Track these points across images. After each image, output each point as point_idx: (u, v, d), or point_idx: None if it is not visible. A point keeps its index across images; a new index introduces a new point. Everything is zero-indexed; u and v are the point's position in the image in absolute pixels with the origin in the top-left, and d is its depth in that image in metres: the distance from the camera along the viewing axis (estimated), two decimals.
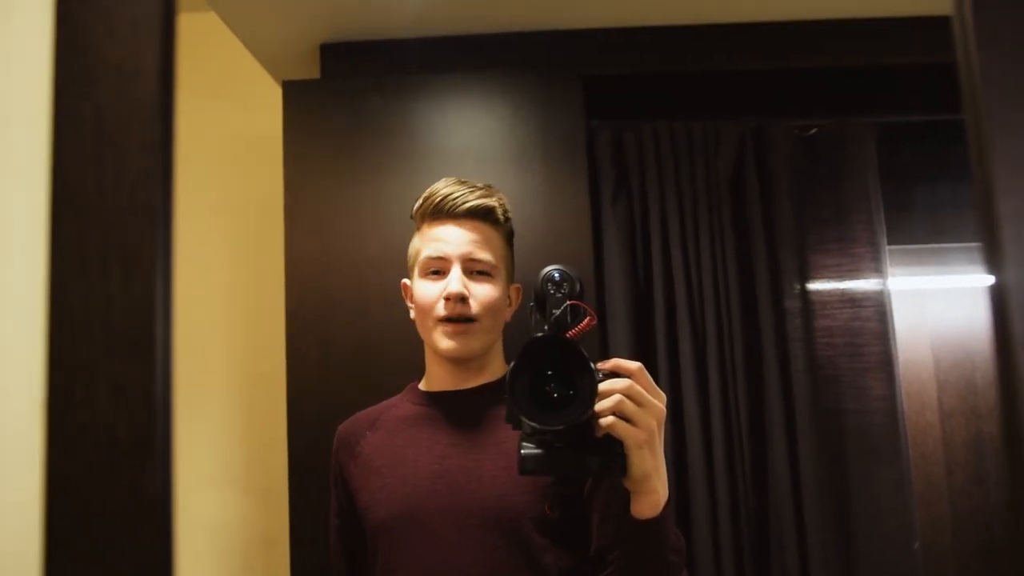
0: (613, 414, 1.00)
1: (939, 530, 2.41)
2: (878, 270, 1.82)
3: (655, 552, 1.07)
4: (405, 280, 1.40)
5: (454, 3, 1.75)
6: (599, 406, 1.00)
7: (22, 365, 0.59)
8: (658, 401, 1.03)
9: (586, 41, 1.86)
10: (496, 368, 1.34)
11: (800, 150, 1.90)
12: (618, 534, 1.12)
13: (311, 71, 1.91)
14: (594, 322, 1.09)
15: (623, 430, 1.00)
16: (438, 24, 1.82)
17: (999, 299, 0.56)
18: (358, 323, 1.70)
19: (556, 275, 1.13)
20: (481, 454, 1.24)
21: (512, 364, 1.01)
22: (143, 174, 0.58)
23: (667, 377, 1.78)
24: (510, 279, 1.37)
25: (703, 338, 1.80)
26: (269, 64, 1.98)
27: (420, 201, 1.33)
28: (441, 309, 1.26)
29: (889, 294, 1.82)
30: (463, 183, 1.32)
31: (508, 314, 1.36)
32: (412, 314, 1.36)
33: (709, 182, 1.85)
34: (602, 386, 1.01)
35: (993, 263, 0.56)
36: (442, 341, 1.27)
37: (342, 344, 1.70)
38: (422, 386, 1.39)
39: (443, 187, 1.31)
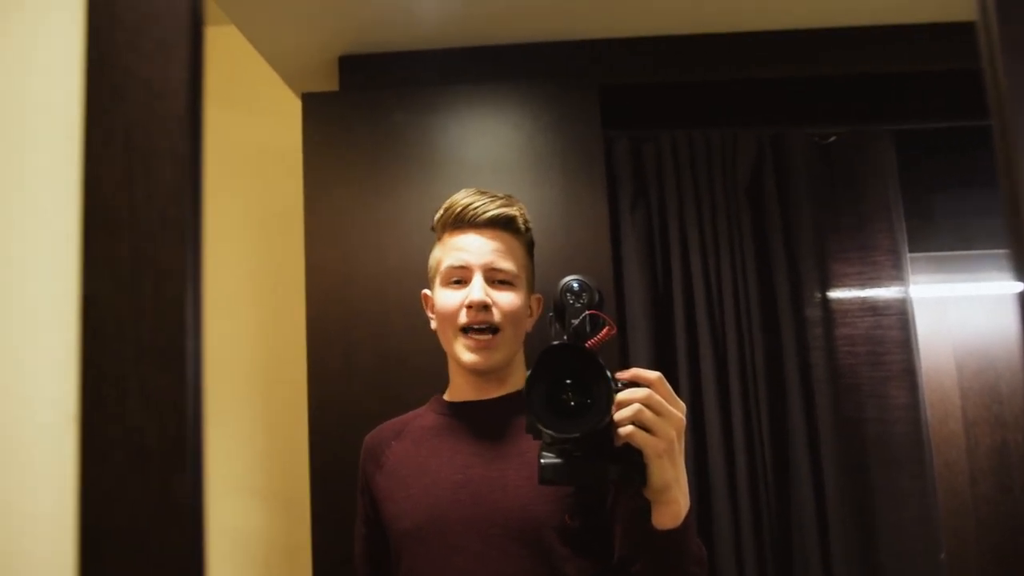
0: (632, 423, 1.00)
1: (964, 540, 2.38)
2: (899, 278, 1.81)
3: (676, 562, 1.06)
4: (426, 291, 1.40)
5: (471, 15, 1.76)
6: (618, 416, 1.00)
7: (56, 376, 0.60)
8: (678, 411, 1.03)
9: (603, 51, 1.87)
10: (518, 378, 1.34)
11: (819, 158, 1.89)
12: (639, 545, 1.12)
13: (330, 83, 1.93)
14: (613, 332, 1.10)
15: (642, 439, 0.99)
16: (455, 36, 1.83)
17: None
18: (378, 333, 1.71)
19: (575, 285, 1.14)
20: (504, 464, 1.24)
21: (529, 372, 1.01)
22: (173, 188, 0.59)
23: (687, 387, 1.78)
24: (531, 289, 1.37)
25: (723, 347, 1.79)
26: (289, 77, 2.00)
27: (441, 211, 1.34)
28: (463, 317, 1.27)
29: (911, 302, 1.81)
30: (484, 193, 1.33)
31: (529, 324, 1.36)
32: (433, 324, 1.37)
33: (727, 190, 1.85)
34: (621, 395, 1.01)
35: (1021, 270, 0.56)
36: (465, 354, 1.28)
37: (363, 354, 1.71)
38: (445, 396, 1.39)
39: (464, 197, 1.32)
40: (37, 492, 0.61)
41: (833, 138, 1.90)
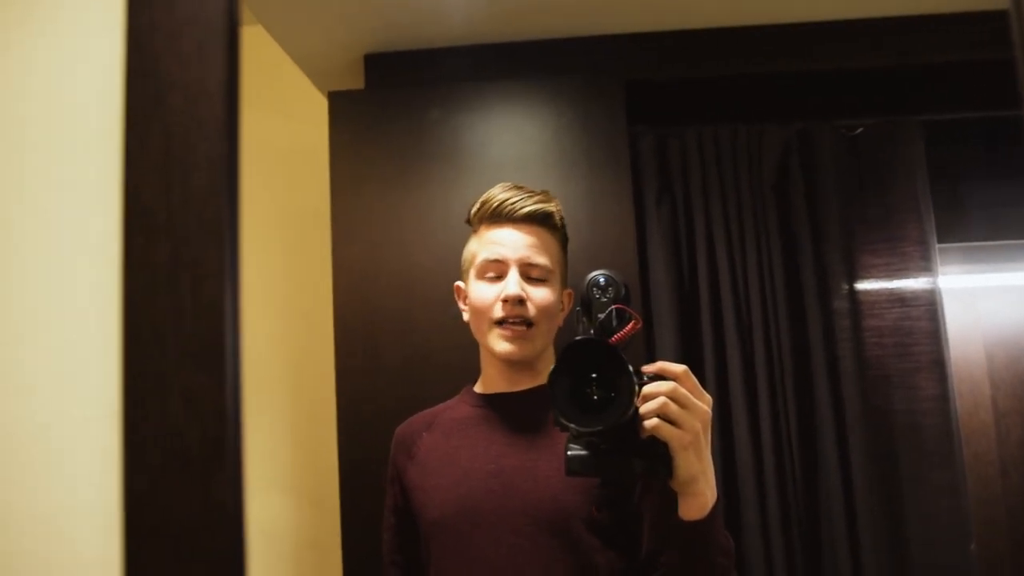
0: (657, 416, 1.00)
1: (995, 531, 2.36)
2: (928, 268, 1.80)
3: (703, 554, 1.06)
4: (459, 283, 1.41)
5: (494, 12, 1.76)
6: (643, 409, 1.00)
7: (99, 377, 0.62)
8: (704, 404, 1.03)
9: (628, 46, 1.86)
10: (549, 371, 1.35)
11: (846, 150, 1.88)
12: (666, 536, 1.12)
13: (356, 82, 1.94)
14: (639, 326, 1.10)
15: (667, 432, 1.00)
16: (479, 33, 1.84)
17: None
18: (405, 330, 1.72)
19: (601, 280, 1.14)
20: (535, 455, 1.25)
21: (552, 367, 1.02)
22: (210, 191, 0.60)
23: (714, 380, 1.78)
24: (564, 284, 1.38)
25: (750, 340, 1.79)
26: (315, 76, 2.02)
27: (478, 204, 1.35)
28: (499, 311, 1.28)
29: (940, 292, 1.79)
30: (521, 188, 1.34)
31: (560, 319, 1.37)
32: (465, 316, 1.38)
33: (753, 185, 1.84)
34: (646, 389, 1.01)
35: None
36: (499, 344, 1.29)
37: (389, 350, 1.72)
38: (477, 388, 1.40)
39: (502, 191, 1.33)
40: (82, 488, 0.63)
41: (860, 130, 1.88)
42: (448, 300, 1.44)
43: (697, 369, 1.62)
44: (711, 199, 1.84)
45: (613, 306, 1.11)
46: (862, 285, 1.83)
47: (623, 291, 1.14)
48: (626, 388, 0.99)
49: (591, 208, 1.72)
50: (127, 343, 0.62)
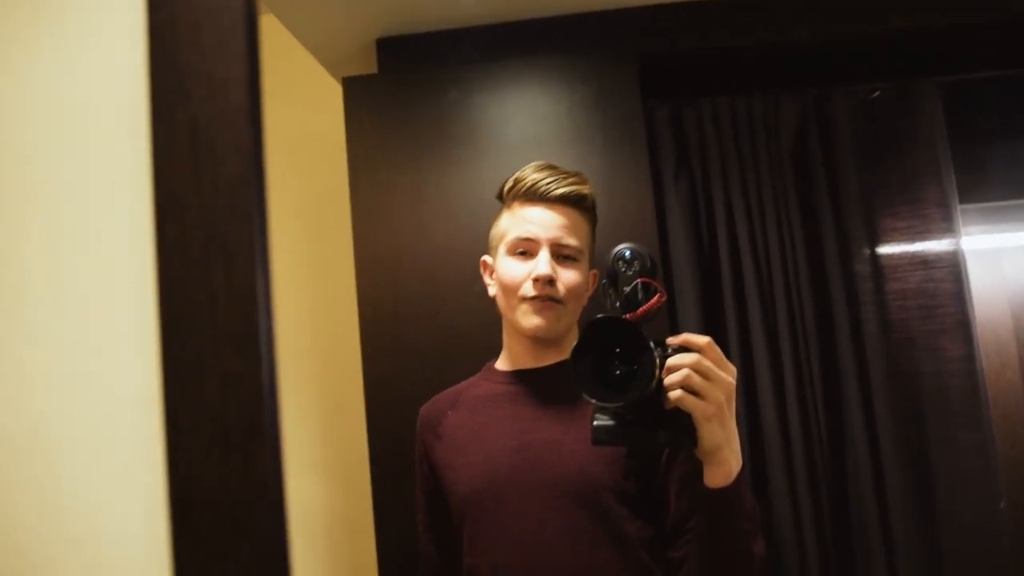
0: (681, 388, 1.02)
1: None
2: (950, 230, 1.79)
3: (728, 520, 1.08)
4: (485, 257, 1.42)
5: None
6: (667, 380, 1.02)
7: (139, 363, 0.64)
8: (727, 375, 1.04)
9: (640, 19, 1.85)
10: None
11: (863, 115, 1.86)
12: (692, 503, 1.14)
13: (369, 66, 1.95)
14: (664, 299, 1.11)
15: (691, 403, 1.02)
16: (489, 12, 1.84)
17: None
18: (427, 311, 1.74)
19: (627, 253, 1.16)
20: (562, 429, 1.27)
21: (575, 345, 1.04)
22: (239, 179, 0.62)
23: (738, 349, 1.78)
24: (591, 265, 1.39)
25: (772, 309, 1.79)
26: (328, 62, 2.03)
27: (511, 182, 1.36)
28: (529, 289, 1.29)
29: (963, 253, 1.78)
30: (555, 168, 1.34)
31: (585, 299, 1.38)
32: (492, 291, 1.39)
33: (771, 155, 1.83)
34: (670, 360, 1.03)
35: None
36: (528, 318, 1.30)
37: (414, 332, 1.74)
38: (500, 365, 1.42)
39: (536, 171, 1.33)
40: (129, 469, 0.65)
41: (877, 93, 1.86)
42: (470, 280, 1.45)
43: (720, 339, 1.63)
44: (729, 170, 1.83)
45: (638, 279, 1.12)
46: (884, 249, 1.82)
47: (648, 264, 1.15)
48: (647, 363, 1.01)
49: (609, 184, 1.73)
50: (164, 329, 0.64)
